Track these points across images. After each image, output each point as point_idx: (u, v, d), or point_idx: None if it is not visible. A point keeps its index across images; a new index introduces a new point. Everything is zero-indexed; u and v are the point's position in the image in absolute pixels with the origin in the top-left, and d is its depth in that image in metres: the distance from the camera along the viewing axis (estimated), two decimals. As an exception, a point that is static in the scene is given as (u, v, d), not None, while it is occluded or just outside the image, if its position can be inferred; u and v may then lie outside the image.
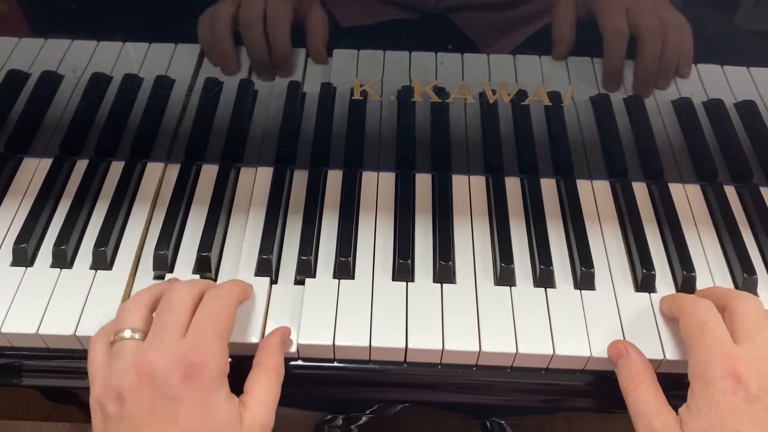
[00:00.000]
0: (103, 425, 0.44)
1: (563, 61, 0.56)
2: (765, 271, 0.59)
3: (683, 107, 0.60)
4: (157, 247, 0.57)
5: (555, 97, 0.59)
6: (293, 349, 0.52)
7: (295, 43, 0.55)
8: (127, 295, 0.55)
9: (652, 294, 0.56)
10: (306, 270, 0.56)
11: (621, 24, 0.53)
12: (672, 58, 0.54)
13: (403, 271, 0.56)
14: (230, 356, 0.47)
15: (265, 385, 0.48)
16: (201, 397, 0.43)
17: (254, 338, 0.52)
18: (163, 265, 0.57)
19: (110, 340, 0.47)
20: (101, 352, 0.47)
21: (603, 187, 0.65)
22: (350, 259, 0.57)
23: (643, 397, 0.47)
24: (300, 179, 0.64)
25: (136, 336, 0.46)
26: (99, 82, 0.59)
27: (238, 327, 0.52)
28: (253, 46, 0.55)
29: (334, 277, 0.56)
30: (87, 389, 0.47)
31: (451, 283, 0.56)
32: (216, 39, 0.54)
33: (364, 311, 0.54)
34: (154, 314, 0.48)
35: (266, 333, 0.52)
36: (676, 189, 0.65)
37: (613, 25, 0.53)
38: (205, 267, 0.57)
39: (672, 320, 0.53)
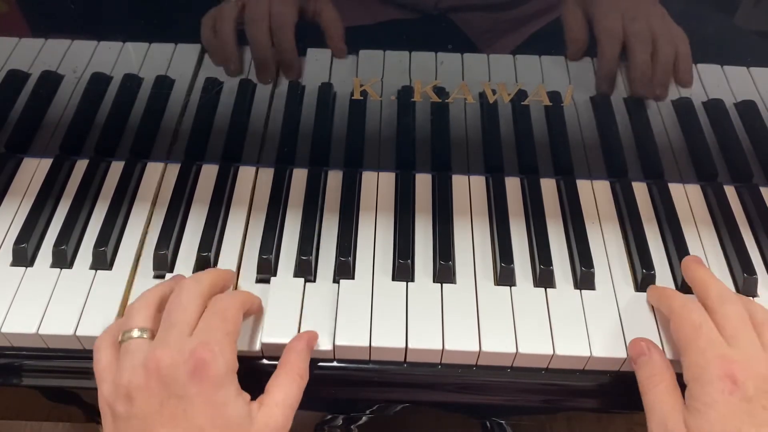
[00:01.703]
0: (113, 425, 0.44)
1: (564, 61, 0.56)
2: (765, 271, 0.59)
3: (683, 107, 0.60)
4: (157, 247, 0.57)
5: (555, 97, 0.59)
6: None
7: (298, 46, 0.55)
8: (127, 295, 0.55)
9: (652, 294, 0.56)
10: (306, 270, 0.56)
11: (616, 27, 0.53)
12: (666, 66, 0.55)
13: (403, 271, 0.56)
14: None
15: (285, 388, 0.48)
16: (209, 394, 0.43)
17: (254, 338, 0.52)
18: (163, 265, 0.57)
19: (118, 340, 0.47)
20: (108, 353, 0.47)
21: (603, 187, 0.65)
22: (350, 259, 0.57)
23: (661, 397, 0.48)
24: (300, 179, 0.64)
25: (145, 335, 0.46)
26: (99, 82, 0.59)
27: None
28: (258, 47, 0.55)
29: (334, 277, 0.56)
30: (87, 389, 0.47)
31: (451, 283, 0.56)
32: (220, 40, 0.54)
33: (364, 311, 0.54)
34: (162, 313, 0.48)
35: (264, 332, 0.52)
36: (676, 189, 0.65)
37: (608, 27, 0.53)
38: (205, 267, 0.57)
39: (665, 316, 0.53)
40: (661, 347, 0.52)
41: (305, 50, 0.56)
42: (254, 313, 0.53)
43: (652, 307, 0.55)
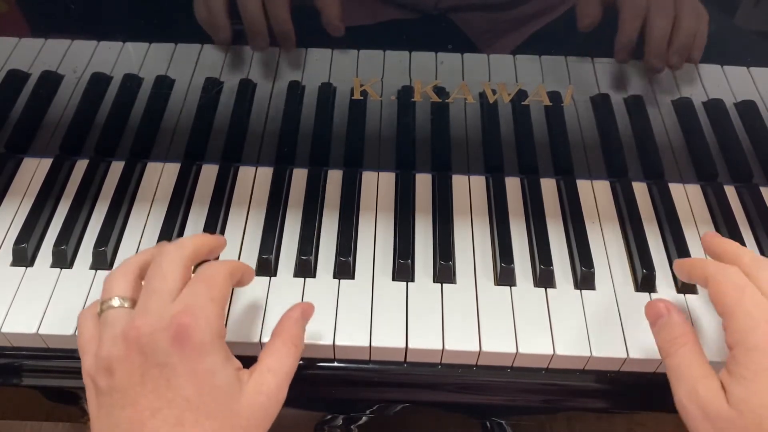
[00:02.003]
0: (96, 400, 0.42)
1: (564, 61, 0.56)
2: (765, 271, 0.59)
3: (683, 107, 0.60)
4: (157, 247, 0.57)
5: (555, 97, 0.59)
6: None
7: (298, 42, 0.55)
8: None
9: (652, 294, 0.56)
10: (306, 270, 0.56)
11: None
12: (686, 39, 0.53)
13: (403, 271, 0.56)
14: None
15: (279, 354, 0.45)
16: (193, 362, 0.41)
17: (254, 338, 0.52)
18: (163, 265, 0.56)
19: (98, 311, 0.44)
20: (90, 325, 0.44)
21: (603, 187, 0.65)
22: (350, 259, 0.57)
23: (688, 359, 0.45)
24: (300, 179, 0.64)
25: (126, 304, 0.44)
26: (99, 82, 0.59)
27: (236, 327, 0.52)
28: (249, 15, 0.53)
29: (334, 277, 0.56)
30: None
31: (451, 283, 0.56)
32: (210, 11, 0.53)
33: (364, 311, 0.54)
34: (143, 281, 0.45)
35: (264, 332, 0.52)
36: (676, 189, 0.65)
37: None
38: (205, 267, 0.57)
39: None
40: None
41: (305, 49, 0.56)
42: (245, 283, 0.50)
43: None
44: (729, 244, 0.51)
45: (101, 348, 0.42)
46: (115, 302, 0.44)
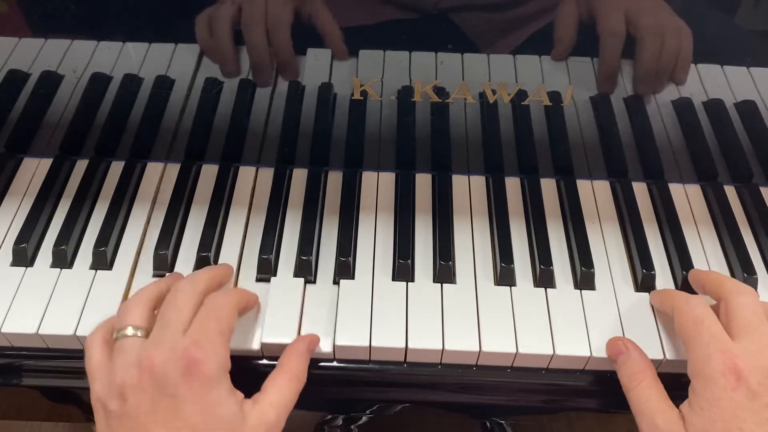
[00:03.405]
0: (106, 423, 0.44)
1: (563, 61, 0.56)
2: (765, 271, 0.59)
3: (683, 107, 0.60)
4: (157, 247, 0.57)
5: (555, 97, 0.59)
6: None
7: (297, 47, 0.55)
8: (126, 295, 0.55)
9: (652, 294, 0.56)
10: (306, 270, 0.56)
11: (618, 25, 0.53)
12: (668, 62, 0.55)
13: (403, 271, 0.56)
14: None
15: (281, 388, 0.48)
16: (201, 394, 0.43)
17: (254, 338, 0.52)
18: (163, 265, 0.56)
19: (112, 338, 0.47)
20: (100, 350, 0.47)
21: (603, 187, 0.65)
22: (350, 259, 0.57)
23: (646, 394, 0.47)
24: (300, 179, 0.64)
25: (139, 333, 0.46)
26: (99, 82, 0.59)
27: (237, 327, 0.52)
28: (254, 48, 0.55)
29: (334, 277, 0.56)
30: (87, 389, 0.46)
31: (451, 283, 0.56)
32: (216, 41, 0.54)
33: (364, 311, 0.54)
34: (157, 312, 0.48)
35: (264, 332, 0.52)
36: (676, 189, 0.65)
37: (610, 26, 0.53)
38: (205, 267, 0.57)
39: (669, 317, 0.53)
40: (662, 348, 0.52)
41: (305, 50, 0.56)
42: (250, 310, 0.53)
43: (653, 307, 0.55)
44: (713, 273, 0.53)
45: (115, 374, 0.44)
46: (129, 331, 0.46)
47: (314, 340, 0.52)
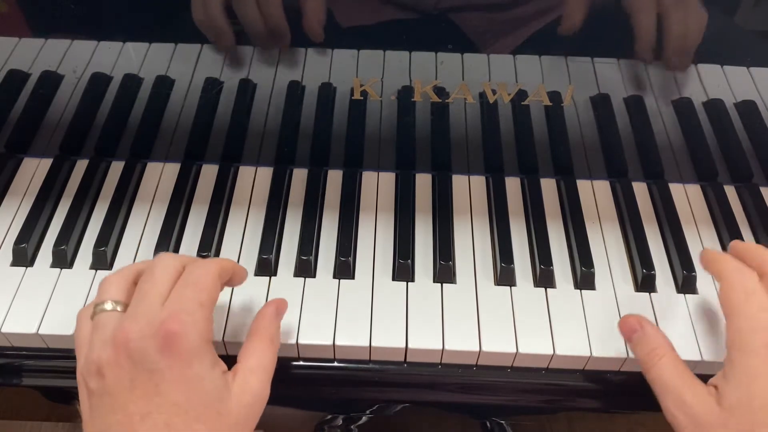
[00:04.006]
0: (88, 401, 0.43)
1: (563, 60, 0.56)
2: (765, 270, 0.59)
3: (683, 107, 0.60)
4: (157, 247, 0.57)
5: (555, 97, 0.59)
6: (291, 341, 0.52)
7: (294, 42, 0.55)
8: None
9: (652, 294, 0.56)
10: (306, 270, 0.56)
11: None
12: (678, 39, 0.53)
13: (403, 271, 0.56)
14: (226, 356, 0.47)
15: (258, 353, 0.46)
16: (182, 368, 0.41)
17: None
18: (163, 265, 0.56)
19: (91, 313, 0.45)
20: (86, 325, 0.45)
21: (603, 187, 0.65)
22: (350, 259, 0.57)
23: (669, 370, 0.45)
24: (300, 179, 0.64)
25: (118, 308, 0.44)
26: (99, 82, 0.59)
27: (236, 327, 0.52)
28: (246, 16, 0.53)
29: (334, 277, 0.56)
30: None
31: (452, 282, 0.56)
32: (208, 14, 0.53)
33: (364, 311, 0.54)
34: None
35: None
36: (676, 189, 0.65)
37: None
38: (205, 267, 0.57)
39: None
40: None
41: (305, 49, 0.56)
42: (236, 282, 0.50)
43: (652, 307, 0.55)
44: (750, 244, 0.50)
45: (92, 351, 0.43)
46: (108, 306, 0.44)
47: (281, 303, 0.50)
